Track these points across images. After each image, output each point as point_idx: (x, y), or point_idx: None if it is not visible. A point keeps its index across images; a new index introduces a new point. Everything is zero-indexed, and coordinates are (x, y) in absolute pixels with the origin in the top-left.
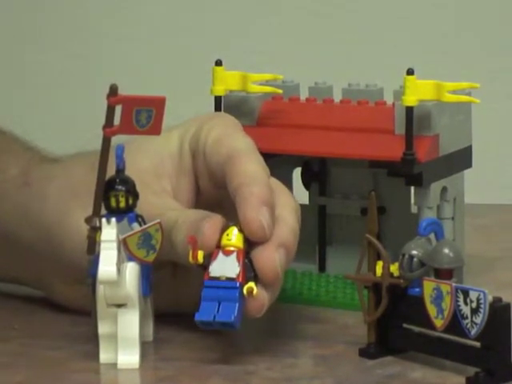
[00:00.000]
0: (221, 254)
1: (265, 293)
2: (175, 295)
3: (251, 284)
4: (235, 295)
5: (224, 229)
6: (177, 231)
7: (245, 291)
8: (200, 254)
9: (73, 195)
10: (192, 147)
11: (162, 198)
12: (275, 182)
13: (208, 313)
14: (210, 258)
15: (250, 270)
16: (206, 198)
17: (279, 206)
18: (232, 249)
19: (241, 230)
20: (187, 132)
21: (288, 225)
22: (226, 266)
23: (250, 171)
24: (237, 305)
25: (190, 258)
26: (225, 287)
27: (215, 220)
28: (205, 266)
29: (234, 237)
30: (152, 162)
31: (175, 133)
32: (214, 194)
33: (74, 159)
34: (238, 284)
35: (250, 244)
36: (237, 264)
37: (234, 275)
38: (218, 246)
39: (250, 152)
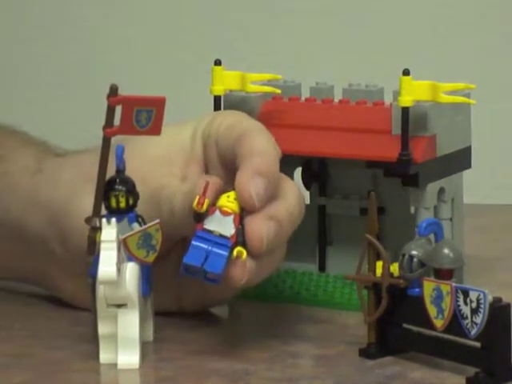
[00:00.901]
0: (218, 212)
1: (251, 261)
2: (177, 294)
3: (241, 248)
4: (225, 252)
5: (223, 191)
6: (176, 199)
7: (234, 253)
8: (206, 202)
9: (83, 181)
10: (204, 137)
11: (166, 179)
12: (281, 175)
13: (197, 259)
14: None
15: (241, 236)
16: None
17: (282, 190)
18: (229, 210)
19: None
20: (200, 123)
21: (286, 203)
22: (221, 224)
23: (256, 145)
24: (225, 261)
25: (195, 204)
26: (217, 242)
27: (211, 178)
28: (200, 219)
29: (233, 200)
30: (163, 150)
31: (189, 124)
32: (224, 181)
33: (84, 151)
34: (230, 243)
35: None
36: (232, 226)
37: (228, 234)
38: (215, 205)
39: (260, 130)
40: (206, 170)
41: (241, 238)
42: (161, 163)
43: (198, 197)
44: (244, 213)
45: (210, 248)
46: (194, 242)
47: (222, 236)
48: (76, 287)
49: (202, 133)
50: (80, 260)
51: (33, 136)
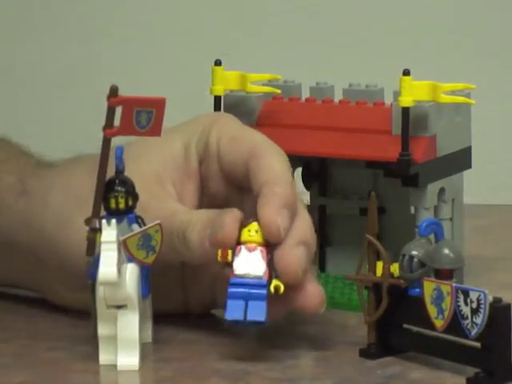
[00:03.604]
0: (244, 250)
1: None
2: (184, 297)
3: (278, 282)
4: (264, 294)
5: (243, 224)
6: (191, 230)
7: (272, 289)
8: (230, 253)
9: (75, 202)
10: (199, 152)
11: (169, 203)
12: None
13: (237, 312)
14: (232, 253)
15: (273, 268)
16: (216, 198)
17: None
18: (254, 245)
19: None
20: (191, 136)
21: (306, 220)
22: (250, 263)
23: (275, 168)
24: (265, 303)
25: (219, 258)
26: (253, 285)
27: (235, 213)
28: (229, 264)
29: (255, 233)
30: (155, 167)
31: (178, 136)
32: (224, 195)
33: (74, 165)
34: (265, 282)
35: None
36: (262, 261)
37: (261, 273)
38: (239, 242)
39: (272, 147)
40: (202, 185)
41: (275, 271)
42: (154, 182)
43: (220, 250)
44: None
45: (247, 293)
46: (230, 292)
47: (256, 277)
48: (78, 299)
49: (195, 146)
50: (79, 278)
51: (13, 143)
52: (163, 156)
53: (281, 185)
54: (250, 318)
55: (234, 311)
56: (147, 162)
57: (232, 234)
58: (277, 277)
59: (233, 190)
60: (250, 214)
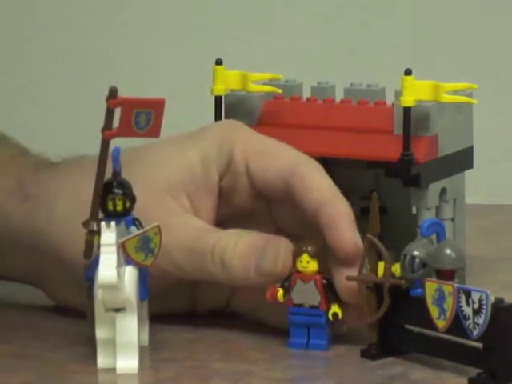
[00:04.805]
0: (299, 281)
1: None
2: (192, 296)
3: (335, 308)
4: (322, 322)
5: (295, 253)
6: (231, 254)
7: (330, 317)
8: (280, 291)
9: (83, 214)
10: (221, 169)
11: (190, 218)
12: None
13: (300, 339)
14: (288, 282)
15: (330, 292)
16: (237, 209)
17: None
18: (308, 275)
19: (312, 256)
20: (209, 152)
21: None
22: (306, 294)
23: (324, 185)
24: (326, 330)
25: (268, 296)
26: (310, 314)
27: (287, 244)
28: (284, 289)
29: (306, 263)
30: (169, 180)
31: (193, 151)
32: (250, 206)
33: (78, 171)
34: (322, 312)
35: (325, 263)
36: (317, 292)
37: (316, 303)
38: (295, 272)
39: (312, 162)
40: (223, 199)
41: (332, 295)
42: (169, 197)
43: (268, 290)
44: (322, 266)
45: (307, 321)
46: (291, 320)
47: (312, 306)
48: (79, 297)
49: (216, 164)
50: (82, 281)
51: (9, 140)
52: (178, 170)
53: (339, 201)
54: (311, 347)
55: (297, 339)
56: (160, 174)
57: (289, 267)
58: (336, 300)
59: (260, 201)
60: (281, 223)
